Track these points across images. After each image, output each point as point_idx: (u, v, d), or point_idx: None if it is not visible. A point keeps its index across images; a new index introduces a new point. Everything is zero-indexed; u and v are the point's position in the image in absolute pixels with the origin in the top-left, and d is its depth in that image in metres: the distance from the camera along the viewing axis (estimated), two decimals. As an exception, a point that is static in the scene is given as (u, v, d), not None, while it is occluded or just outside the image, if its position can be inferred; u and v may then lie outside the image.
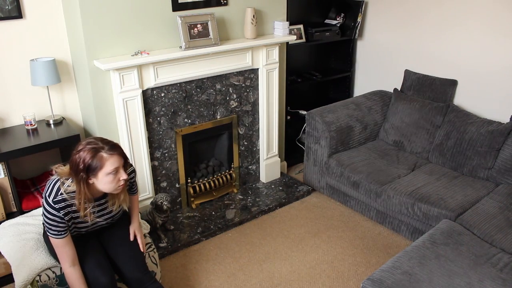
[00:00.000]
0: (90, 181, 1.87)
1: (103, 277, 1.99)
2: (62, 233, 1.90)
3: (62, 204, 1.87)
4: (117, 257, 2.10)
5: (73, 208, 1.91)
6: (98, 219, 2.03)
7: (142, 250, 2.18)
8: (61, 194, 1.87)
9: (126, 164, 1.93)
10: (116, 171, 1.86)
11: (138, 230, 2.22)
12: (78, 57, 2.71)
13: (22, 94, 2.75)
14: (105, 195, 2.01)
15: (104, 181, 1.86)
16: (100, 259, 2.03)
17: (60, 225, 1.88)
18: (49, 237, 1.92)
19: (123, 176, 1.89)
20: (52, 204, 1.86)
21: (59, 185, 1.88)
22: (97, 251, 2.07)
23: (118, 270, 2.09)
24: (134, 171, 2.16)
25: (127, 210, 2.27)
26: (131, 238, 2.18)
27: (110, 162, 1.83)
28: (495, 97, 3.18)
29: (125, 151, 2.79)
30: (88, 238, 2.12)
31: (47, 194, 1.88)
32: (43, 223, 1.96)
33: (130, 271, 2.07)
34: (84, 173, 1.82)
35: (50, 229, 1.89)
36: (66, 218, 1.90)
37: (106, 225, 2.14)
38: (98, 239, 2.15)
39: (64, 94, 2.90)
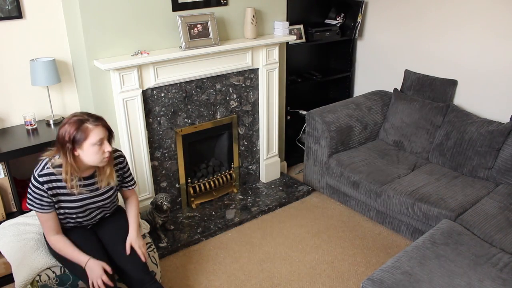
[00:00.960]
0: (76, 153, 1.91)
1: (103, 276, 1.97)
2: (46, 208, 1.95)
3: (46, 178, 1.92)
4: (118, 257, 2.09)
5: (59, 184, 1.95)
6: (86, 195, 2.03)
7: (143, 260, 2.09)
8: (47, 168, 1.93)
9: (110, 136, 1.99)
10: (101, 142, 1.91)
11: (135, 241, 2.11)
12: (78, 57, 2.71)
13: (22, 94, 2.75)
14: (93, 175, 2.04)
15: (89, 153, 1.90)
16: (100, 258, 2.03)
17: (43, 199, 1.94)
18: (34, 211, 1.97)
19: (107, 147, 1.93)
20: (37, 178, 1.92)
21: (47, 161, 1.96)
22: (97, 250, 2.07)
23: (119, 270, 2.09)
24: (123, 156, 2.16)
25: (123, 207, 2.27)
26: (127, 252, 2.09)
27: (95, 133, 1.89)
28: (495, 97, 3.18)
29: (125, 151, 2.80)
30: (88, 236, 2.12)
31: (34, 170, 1.95)
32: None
33: (131, 271, 2.07)
34: (70, 144, 1.88)
35: (34, 203, 1.94)
36: (50, 192, 1.94)
37: (100, 214, 2.14)
38: (99, 239, 2.15)
39: (64, 94, 2.90)
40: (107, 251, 2.12)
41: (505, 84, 3.11)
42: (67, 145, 1.87)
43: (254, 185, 3.62)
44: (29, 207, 1.96)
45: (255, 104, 3.38)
